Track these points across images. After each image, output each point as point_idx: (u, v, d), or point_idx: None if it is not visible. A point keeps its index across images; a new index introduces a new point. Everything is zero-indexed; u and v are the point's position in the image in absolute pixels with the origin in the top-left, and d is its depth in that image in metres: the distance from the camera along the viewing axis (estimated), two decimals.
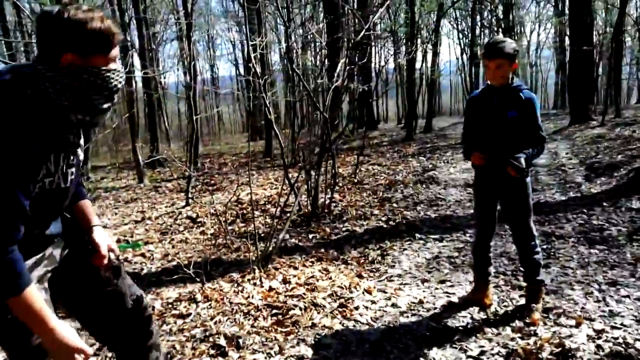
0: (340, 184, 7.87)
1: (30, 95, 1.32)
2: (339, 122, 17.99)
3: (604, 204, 5.33)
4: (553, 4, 30.25)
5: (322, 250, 4.56)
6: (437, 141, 13.54)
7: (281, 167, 8.93)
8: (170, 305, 3.51)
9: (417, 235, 4.84)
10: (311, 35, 13.48)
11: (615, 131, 10.63)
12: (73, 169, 1.53)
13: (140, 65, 15.57)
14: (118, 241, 6.28)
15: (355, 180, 8.05)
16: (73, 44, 1.32)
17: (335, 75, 6.29)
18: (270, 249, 4.22)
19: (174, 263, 4.73)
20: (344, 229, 5.37)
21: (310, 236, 5.23)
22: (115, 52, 1.43)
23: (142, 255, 5.29)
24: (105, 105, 1.47)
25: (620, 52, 16.78)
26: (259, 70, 5.50)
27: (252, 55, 5.68)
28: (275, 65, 24.97)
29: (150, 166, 14.08)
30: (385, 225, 5.36)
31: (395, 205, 6.25)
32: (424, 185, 7.21)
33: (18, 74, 1.35)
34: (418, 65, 18.34)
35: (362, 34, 6.64)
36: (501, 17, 27.14)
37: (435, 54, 19.80)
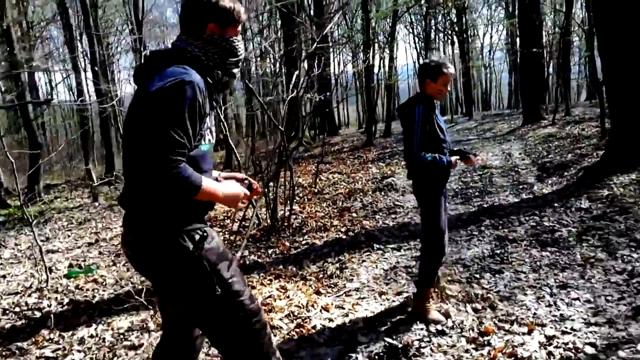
0: (301, 195, 7.83)
1: (190, 57, 1.69)
2: (299, 130, 17.96)
3: (555, 204, 5.49)
4: (504, 6, 31.23)
5: (281, 266, 4.50)
6: (396, 145, 13.68)
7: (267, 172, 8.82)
8: (121, 336, 3.39)
9: (376, 245, 4.85)
10: (267, 46, 13.43)
11: (566, 130, 11.01)
12: (214, 129, 1.82)
13: (93, 80, 15.17)
14: (70, 266, 6.06)
15: (315, 190, 8.04)
16: (215, 16, 1.73)
17: (291, 86, 6.27)
18: None
19: (127, 288, 4.58)
20: (303, 242, 5.32)
21: (270, 251, 5.16)
22: (239, 28, 1.82)
23: (95, 281, 5.10)
24: (235, 71, 1.83)
25: (568, 53, 17.46)
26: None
27: None
28: None
29: (107, 182, 13.70)
30: (344, 237, 5.35)
31: (354, 214, 6.26)
32: (382, 193, 7.26)
33: (174, 47, 1.73)
34: (376, 69, 18.58)
35: (315, 44, 6.63)
36: (455, 20, 27.82)
37: (392, 59, 20.06)
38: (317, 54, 7.49)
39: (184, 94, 1.53)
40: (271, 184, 6.05)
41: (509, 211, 5.58)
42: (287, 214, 6.07)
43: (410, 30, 32.05)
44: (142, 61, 1.83)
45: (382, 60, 20.01)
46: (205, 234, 1.69)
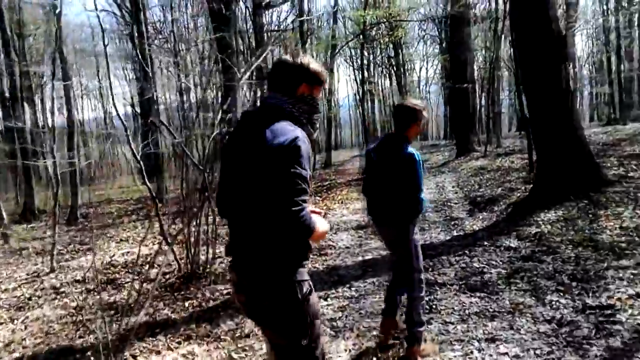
0: None
1: (288, 114, 1.84)
2: None
3: (485, 243, 5.39)
4: (438, 42, 32.56)
5: (194, 325, 4.04)
6: (335, 177, 13.58)
7: (173, 215, 8.19)
8: None
9: None
10: (204, 75, 13.08)
11: (497, 162, 11.27)
12: None
13: (12, 110, 14.17)
14: None
15: None
16: (306, 77, 1.91)
17: (216, 122, 5.96)
18: (129, 329, 3.65)
19: (16, 355, 3.98)
20: (225, 291, 4.90)
21: (187, 303, 4.69)
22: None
23: None
24: (317, 125, 2.00)
25: (498, 87, 18.26)
26: (121, 113, 5.00)
27: (116, 105, 5.18)
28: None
29: (24, 219, 12.70)
30: None
31: None
32: None
33: (270, 104, 1.87)
34: None
35: (246, 73, 6.39)
36: (392, 55, 28.65)
37: (331, 92, 20.21)
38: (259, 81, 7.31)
39: (301, 148, 1.71)
40: (193, 223, 5.62)
41: (440, 251, 5.43)
42: (210, 257, 5.63)
43: (350, 63, 32.69)
44: (241, 119, 1.97)
45: (322, 92, 20.16)
46: (311, 287, 1.83)
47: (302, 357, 1.82)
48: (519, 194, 7.23)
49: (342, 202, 9.17)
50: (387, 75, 31.19)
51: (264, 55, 8.30)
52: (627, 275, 3.83)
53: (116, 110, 4.98)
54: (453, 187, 9.44)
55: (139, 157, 5.16)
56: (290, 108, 1.85)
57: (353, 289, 4.55)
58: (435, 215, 7.24)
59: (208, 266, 5.48)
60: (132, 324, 3.85)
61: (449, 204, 7.92)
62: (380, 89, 32.00)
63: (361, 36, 19.76)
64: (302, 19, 14.74)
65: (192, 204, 5.81)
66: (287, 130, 1.75)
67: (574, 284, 3.89)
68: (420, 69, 43.01)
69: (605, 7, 26.89)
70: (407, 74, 30.76)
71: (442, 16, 22.21)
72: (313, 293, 1.84)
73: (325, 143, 20.51)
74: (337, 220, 7.48)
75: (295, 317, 1.77)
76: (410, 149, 2.99)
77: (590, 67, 34.65)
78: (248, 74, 6.28)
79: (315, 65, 1.94)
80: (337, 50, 19.84)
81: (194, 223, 5.66)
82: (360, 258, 5.57)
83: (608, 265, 4.02)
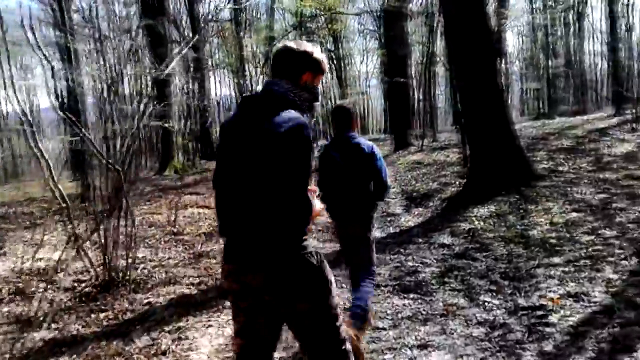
0: (157, 236, 6.95)
1: (291, 101, 1.91)
2: (173, 156, 16.88)
3: (419, 240, 5.31)
4: (377, 37, 32.83)
5: (104, 341, 3.64)
6: None
7: (101, 215, 7.58)
8: None
9: (227, 302, 4.20)
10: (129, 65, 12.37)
11: (432, 156, 11.39)
12: None
13: None
14: None
15: (175, 230, 7.18)
16: (310, 65, 1.99)
17: (137, 115, 5.53)
18: (30, 349, 3.22)
19: None
20: (145, 301, 4.50)
21: (102, 315, 4.25)
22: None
23: None
24: (315, 113, 2.14)
25: (434, 83, 18.57)
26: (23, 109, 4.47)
27: (18, 97, 4.62)
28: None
29: None
30: (195, 291, 4.64)
31: (212, 260, 5.57)
32: None
33: (273, 91, 1.93)
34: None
35: (167, 69, 5.95)
36: (332, 48, 28.57)
37: None
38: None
39: (307, 134, 1.80)
40: (110, 225, 5.17)
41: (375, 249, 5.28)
42: (130, 263, 5.20)
43: None
44: (242, 104, 2.00)
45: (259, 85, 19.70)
46: (321, 255, 1.91)
47: (328, 318, 1.90)
48: (453, 189, 7.25)
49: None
50: (328, 68, 31.16)
51: (190, 44, 7.84)
52: (558, 273, 3.82)
53: (18, 102, 4.44)
54: (390, 181, 9.40)
55: (46, 155, 4.64)
56: (292, 96, 1.92)
57: None
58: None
59: (128, 272, 5.06)
60: (33, 342, 3.42)
61: (386, 199, 7.83)
62: (321, 81, 31.85)
63: (299, 28, 19.50)
64: (237, 7, 14.24)
65: (110, 204, 5.36)
66: (293, 117, 1.82)
67: (506, 282, 3.84)
68: (361, 63, 43.17)
69: (534, 6, 28.07)
70: (348, 68, 30.82)
71: (379, 10, 22.30)
72: (324, 261, 1.92)
73: None
74: None
75: (317, 279, 1.86)
76: (367, 141, 3.30)
77: (520, 63, 36.11)
78: (174, 63, 5.83)
79: (318, 53, 2.00)
80: (275, 42, 19.47)
81: (113, 225, 5.22)
82: None
83: (539, 263, 4.01)
